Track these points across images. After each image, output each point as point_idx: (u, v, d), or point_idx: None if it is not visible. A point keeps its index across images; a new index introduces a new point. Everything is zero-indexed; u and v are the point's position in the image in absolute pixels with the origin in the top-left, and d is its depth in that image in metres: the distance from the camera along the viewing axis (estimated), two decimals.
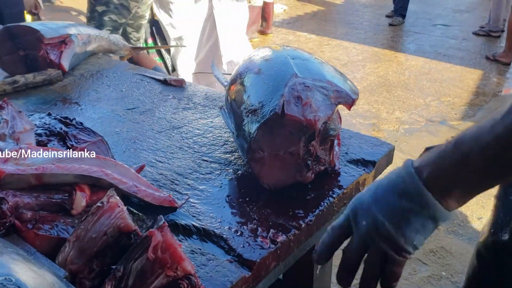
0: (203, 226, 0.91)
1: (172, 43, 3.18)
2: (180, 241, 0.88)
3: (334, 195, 1.01)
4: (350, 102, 1.02)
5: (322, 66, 1.11)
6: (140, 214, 0.93)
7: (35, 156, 0.90)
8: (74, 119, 1.13)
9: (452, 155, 0.70)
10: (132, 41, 2.93)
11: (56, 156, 0.91)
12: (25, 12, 3.27)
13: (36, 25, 1.60)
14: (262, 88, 1.05)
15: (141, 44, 3.04)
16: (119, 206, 0.77)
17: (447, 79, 4.96)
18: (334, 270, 2.44)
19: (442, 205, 0.70)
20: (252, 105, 1.02)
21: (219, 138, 1.24)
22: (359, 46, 6.10)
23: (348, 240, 0.80)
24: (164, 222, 0.69)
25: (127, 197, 0.92)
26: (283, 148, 1.00)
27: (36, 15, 3.51)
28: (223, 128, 1.29)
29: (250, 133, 0.99)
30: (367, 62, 5.52)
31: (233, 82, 1.19)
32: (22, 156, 0.89)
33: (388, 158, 1.20)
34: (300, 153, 1.01)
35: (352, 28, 6.90)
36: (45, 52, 1.57)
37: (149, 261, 0.66)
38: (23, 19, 3.15)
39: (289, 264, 1.03)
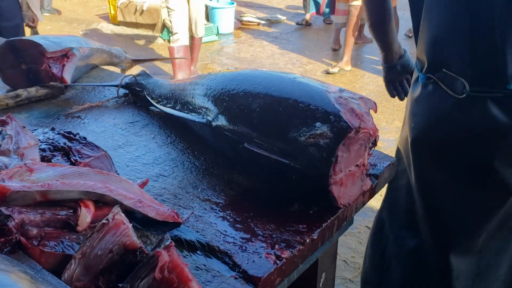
0: (208, 242, 0.91)
1: None
2: (184, 257, 0.88)
3: (337, 210, 1.01)
4: (375, 107, 1.05)
5: (315, 80, 1.13)
6: (144, 229, 0.93)
7: (40, 172, 0.91)
8: (78, 134, 1.14)
9: None
10: None
11: (60, 172, 0.92)
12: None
13: (38, 38, 1.61)
14: (295, 111, 1.02)
15: None
16: (124, 224, 0.77)
17: None
18: (337, 281, 2.42)
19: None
20: (303, 130, 0.99)
21: (222, 152, 1.24)
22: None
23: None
24: (170, 242, 0.69)
25: (130, 213, 0.93)
26: (354, 162, 1.01)
27: (34, 28, 3.51)
28: None
29: (324, 157, 0.96)
30: (366, 72, 5.55)
31: (237, 114, 1.12)
32: (27, 173, 0.90)
33: (391, 171, 1.20)
34: (365, 163, 1.04)
35: None
36: (47, 65, 1.57)
37: (156, 281, 0.66)
38: (21, 33, 3.15)
39: (293, 279, 1.03)
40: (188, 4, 4.66)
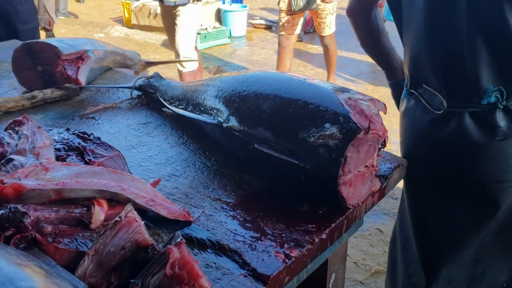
0: (218, 240, 0.93)
1: None
2: (195, 255, 0.89)
3: (346, 210, 1.02)
4: (384, 109, 1.06)
5: (325, 82, 1.14)
6: (156, 228, 0.95)
7: (55, 171, 0.93)
8: (92, 134, 1.16)
9: None
10: None
11: (75, 171, 0.94)
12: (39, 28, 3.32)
13: (54, 41, 1.64)
14: (304, 112, 1.03)
15: None
16: (136, 221, 0.79)
17: None
18: (348, 283, 2.42)
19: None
20: (312, 130, 1.00)
21: (232, 152, 1.26)
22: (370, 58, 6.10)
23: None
24: (181, 239, 0.70)
25: (142, 211, 0.94)
26: (363, 163, 1.02)
27: (50, 31, 3.56)
28: None
29: (333, 157, 0.97)
30: (378, 74, 5.53)
31: (246, 115, 1.14)
32: (43, 171, 0.92)
33: (400, 172, 1.21)
34: (375, 164, 1.04)
35: None
36: (62, 67, 1.60)
37: (167, 277, 0.67)
38: (38, 36, 3.20)
39: (302, 278, 1.04)
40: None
